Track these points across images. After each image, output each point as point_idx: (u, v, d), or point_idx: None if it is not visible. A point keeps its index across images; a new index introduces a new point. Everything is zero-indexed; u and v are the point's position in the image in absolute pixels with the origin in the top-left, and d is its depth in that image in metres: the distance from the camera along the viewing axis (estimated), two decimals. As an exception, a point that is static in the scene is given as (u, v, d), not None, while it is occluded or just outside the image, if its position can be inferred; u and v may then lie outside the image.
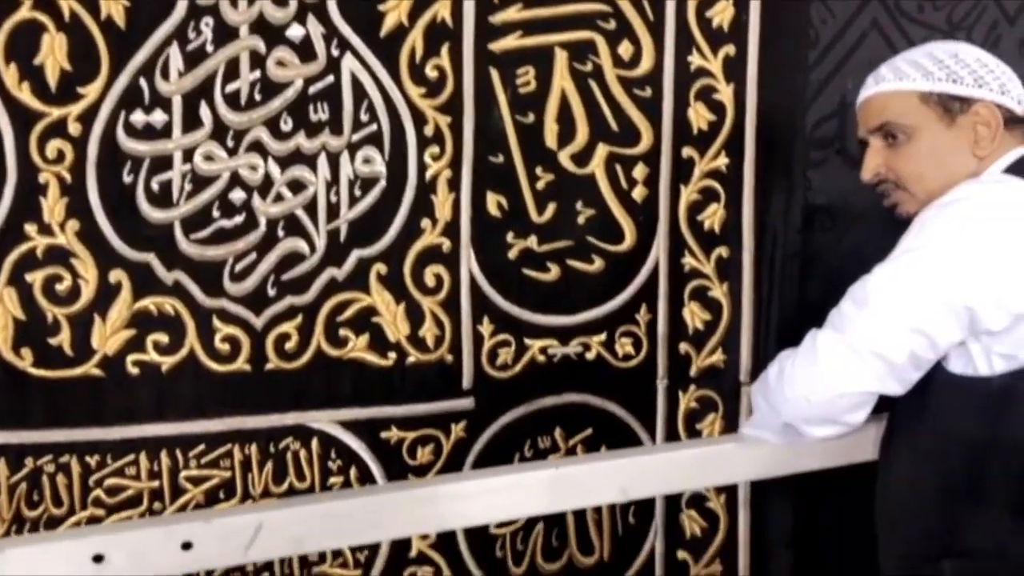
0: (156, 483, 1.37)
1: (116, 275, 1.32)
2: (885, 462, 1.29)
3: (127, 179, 1.31)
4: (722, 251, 1.51)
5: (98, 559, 1.12)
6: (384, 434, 1.44)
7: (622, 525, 1.54)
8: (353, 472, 1.43)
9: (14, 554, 1.11)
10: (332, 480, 1.42)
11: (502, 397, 1.47)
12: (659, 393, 1.52)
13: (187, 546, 1.14)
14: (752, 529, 1.56)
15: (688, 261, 1.51)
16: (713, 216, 1.50)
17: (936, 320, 1.12)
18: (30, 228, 1.28)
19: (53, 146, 1.27)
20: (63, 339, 1.31)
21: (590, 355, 1.49)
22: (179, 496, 1.38)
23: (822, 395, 1.18)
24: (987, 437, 1.16)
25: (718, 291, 1.52)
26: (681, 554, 1.56)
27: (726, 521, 1.56)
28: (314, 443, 1.41)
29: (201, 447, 1.38)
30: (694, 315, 1.52)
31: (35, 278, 1.29)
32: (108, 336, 1.33)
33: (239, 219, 1.35)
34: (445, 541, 1.47)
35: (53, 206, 1.28)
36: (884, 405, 1.24)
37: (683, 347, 1.52)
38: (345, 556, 1.44)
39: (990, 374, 1.14)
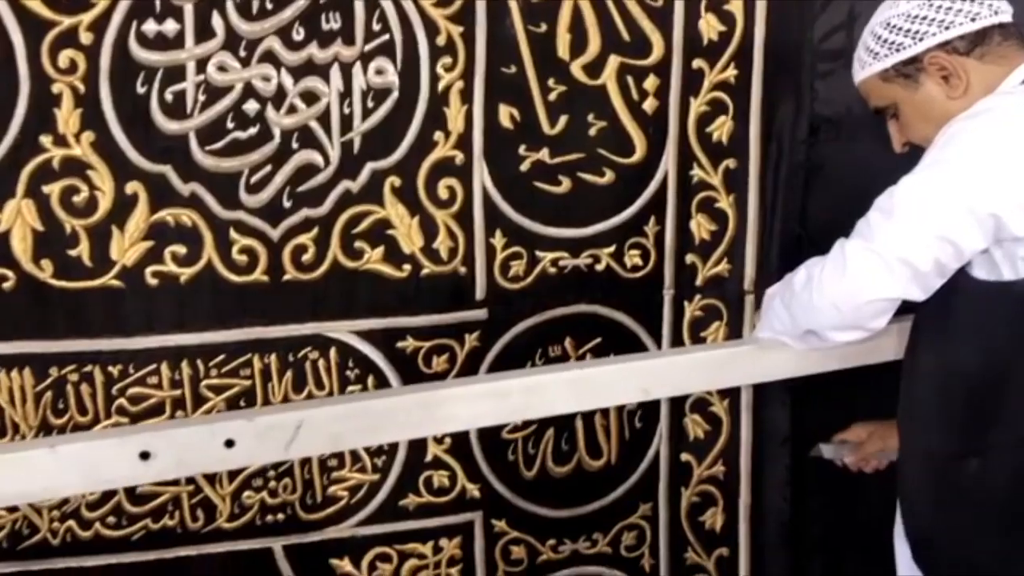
0: (178, 392, 1.40)
1: (133, 187, 1.32)
2: (911, 365, 1.33)
3: (141, 90, 1.30)
4: (729, 163, 1.53)
5: (144, 456, 1.15)
6: (400, 343, 1.47)
7: (629, 430, 1.59)
8: (371, 381, 1.46)
9: (65, 451, 1.14)
10: (350, 388, 1.46)
11: (514, 307, 1.50)
12: (665, 302, 1.56)
13: (230, 444, 1.18)
14: (753, 430, 1.61)
15: (696, 173, 1.53)
16: (721, 128, 1.52)
17: (961, 228, 1.15)
18: (45, 139, 1.27)
19: (65, 56, 1.26)
20: (82, 250, 1.32)
21: (600, 267, 1.52)
22: (200, 404, 1.41)
23: (851, 302, 1.22)
24: (1012, 339, 1.20)
25: (724, 202, 1.54)
26: (685, 456, 1.62)
27: (728, 424, 1.62)
28: (332, 352, 1.44)
29: (221, 356, 1.41)
30: (701, 226, 1.54)
31: (52, 190, 1.29)
32: (126, 247, 1.34)
33: (253, 131, 1.35)
34: (460, 446, 1.52)
35: (67, 117, 1.28)
36: (905, 308, 1.28)
37: (689, 258, 1.55)
38: (364, 461, 1.49)
39: (1014, 278, 1.18)
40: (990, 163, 1.15)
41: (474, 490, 1.55)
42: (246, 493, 1.45)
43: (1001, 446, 1.25)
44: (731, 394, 1.60)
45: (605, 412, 1.57)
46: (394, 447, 1.50)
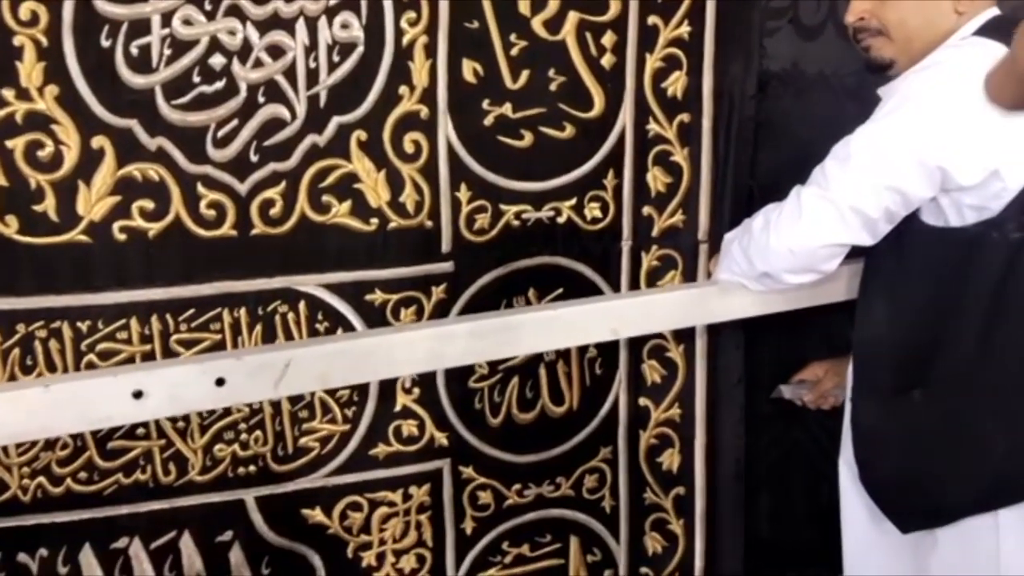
0: (148, 347, 1.40)
1: (99, 141, 1.32)
2: (864, 305, 1.43)
3: (105, 43, 1.29)
4: (684, 117, 1.58)
5: (137, 395, 1.18)
6: (368, 296, 1.49)
7: (590, 377, 1.65)
8: (340, 333, 1.49)
9: (59, 389, 1.15)
10: (319, 341, 1.48)
11: (480, 260, 1.54)
12: (624, 253, 1.61)
13: (220, 382, 1.21)
14: (708, 374, 1.69)
15: (652, 127, 1.58)
16: (676, 83, 1.57)
17: (910, 178, 1.23)
18: (8, 93, 1.26)
19: (27, 8, 1.24)
20: (48, 206, 1.31)
21: (561, 219, 1.57)
22: (171, 358, 1.42)
23: (805, 247, 1.31)
24: (955, 282, 1.29)
25: (679, 155, 1.60)
26: (643, 401, 1.69)
27: (684, 368, 1.68)
28: (301, 306, 1.46)
29: (191, 311, 1.41)
30: (657, 179, 1.60)
31: (16, 144, 1.28)
32: (93, 202, 1.33)
33: (219, 85, 1.35)
34: (428, 395, 1.56)
35: (30, 71, 1.26)
36: (856, 252, 1.37)
37: (646, 210, 1.61)
38: (334, 412, 1.51)
39: (960, 224, 1.27)
40: (939, 117, 1.22)
41: (442, 438, 1.59)
42: (218, 446, 1.47)
43: (941, 380, 1.35)
44: (687, 340, 1.67)
45: (567, 360, 1.63)
46: (364, 398, 1.52)
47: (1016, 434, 1.33)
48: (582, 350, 1.63)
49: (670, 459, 1.72)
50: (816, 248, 1.31)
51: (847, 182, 1.27)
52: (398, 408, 1.55)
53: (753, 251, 1.36)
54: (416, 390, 1.55)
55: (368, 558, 1.58)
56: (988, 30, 1.28)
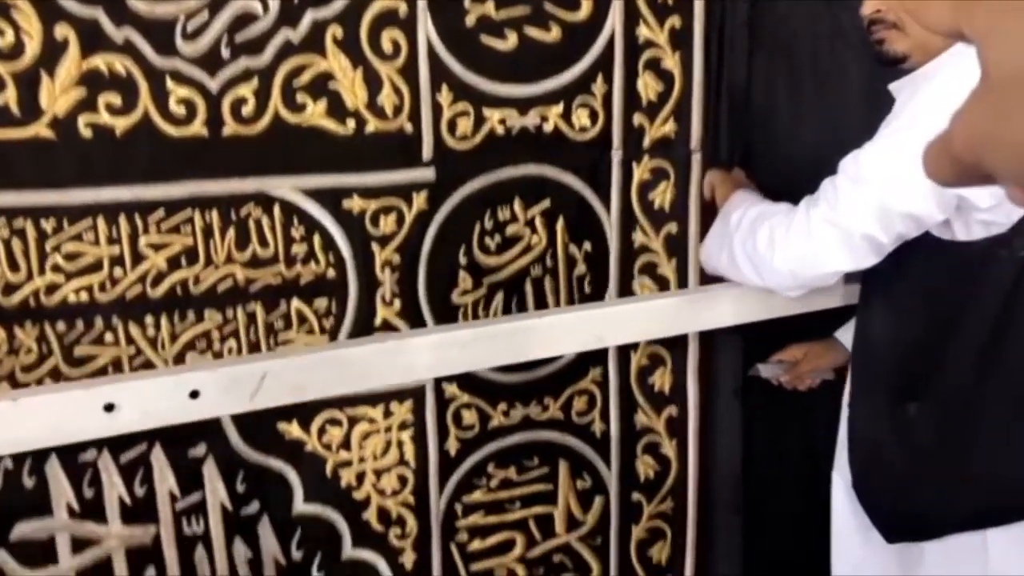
0: (116, 249, 1.35)
1: (62, 31, 1.26)
2: (863, 318, 1.41)
3: (67, -74, 1.24)
4: (675, 20, 1.52)
5: (109, 408, 1.17)
6: (346, 203, 1.44)
7: (578, 294, 1.59)
8: (317, 241, 1.43)
9: (27, 403, 1.13)
10: (295, 249, 1.43)
11: (462, 168, 1.48)
12: (614, 164, 1.55)
13: (195, 394, 1.20)
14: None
15: (642, 31, 1.52)
16: (666, -15, 1.51)
17: (925, 205, 1.18)
18: (-35, -24, 1.21)
19: None
20: (9, 98, 1.26)
21: (547, 127, 1.51)
22: (139, 262, 1.37)
23: (810, 273, 1.29)
24: (960, 296, 1.26)
25: (670, 61, 1.54)
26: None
27: (675, 286, 1.63)
28: (276, 210, 1.41)
29: (160, 212, 1.36)
30: (648, 86, 1.54)
31: (-26, 31, 1.24)
32: (57, 95, 1.28)
33: (188, -26, 1.31)
34: (410, 309, 1.51)
35: (-12, -47, 1.22)
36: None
37: (637, 118, 1.55)
38: (311, 323, 1.47)
39: (967, 239, 1.22)
40: None
41: (424, 354, 1.54)
42: (190, 355, 1.41)
43: (938, 396, 1.33)
44: (678, 254, 1.61)
45: (555, 276, 1.57)
46: (342, 309, 1.47)
47: (1010, 457, 1.30)
48: (570, 266, 1.57)
49: (661, 379, 1.66)
50: (821, 276, 1.30)
51: (860, 209, 1.21)
52: (378, 322, 1.50)
53: (757, 262, 1.34)
54: (397, 303, 1.50)
55: (348, 477, 1.54)
56: None
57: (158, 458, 1.44)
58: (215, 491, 1.48)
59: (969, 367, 1.28)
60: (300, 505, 1.52)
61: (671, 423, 1.68)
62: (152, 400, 1.21)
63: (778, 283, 1.32)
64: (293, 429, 1.50)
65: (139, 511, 1.45)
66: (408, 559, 1.60)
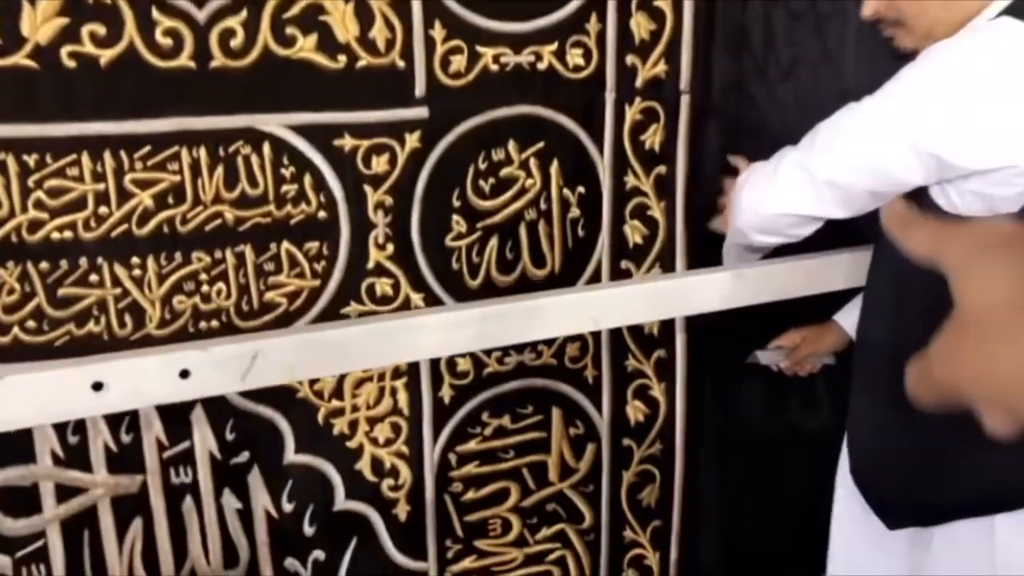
0: (101, 185, 1.31)
1: (43, -45, 1.22)
2: (869, 296, 1.41)
3: None
4: (667, -42, 1.51)
5: (97, 387, 1.14)
6: (337, 141, 1.40)
7: (572, 239, 1.58)
8: (307, 180, 1.40)
9: (14, 382, 1.11)
10: (285, 188, 1.39)
11: (456, 106, 1.45)
12: (608, 105, 1.53)
13: (185, 374, 1.17)
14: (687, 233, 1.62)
15: (635, -31, 1.50)
16: (658, -78, 1.50)
17: (899, 162, 1.16)
18: None
19: None
20: (-12, 24, 1.22)
21: (542, 65, 1.48)
22: (126, 200, 1.32)
23: (769, 210, 1.28)
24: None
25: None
26: (625, 263, 1.61)
27: (665, 226, 1.61)
28: (265, 148, 1.37)
29: (147, 148, 1.32)
30: (640, 25, 1.52)
31: (-50, -47, 1.18)
32: (39, 24, 1.23)
33: (174, -101, 1.26)
34: (403, 253, 1.48)
35: None
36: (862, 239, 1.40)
37: (630, 59, 1.53)
38: (302, 266, 1.43)
39: (965, 211, 1.18)
40: (938, 101, 1.14)
41: (418, 300, 1.50)
42: (177, 298, 1.38)
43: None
44: (666, 197, 1.60)
45: (549, 220, 1.55)
46: (334, 252, 1.44)
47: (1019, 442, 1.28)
48: (564, 209, 1.55)
49: (651, 325, 1.64)
50: (779, 215, 1.28)
51: (830, 156, 1.22)
52: (371, 265, 1.47)
53: (736, 202, 1.34)
54: (390, 246, 1.47)
55: (340, 425, 1.50)
56: (1016, 10, 1.18)
57: (145, 404, 1.40)
58: (204, 440, 1.44)
59: None
60: (291, 455, 1.49)
61: (660, 364, 1.67)
62: (141, 379, 1.19)
63: (744, 220, 1.31)
64: (284, 375, 1.46)
65: (125, 459, 1.41)
66: (402, 510, 1.57)
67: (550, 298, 1.41)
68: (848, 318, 1.58)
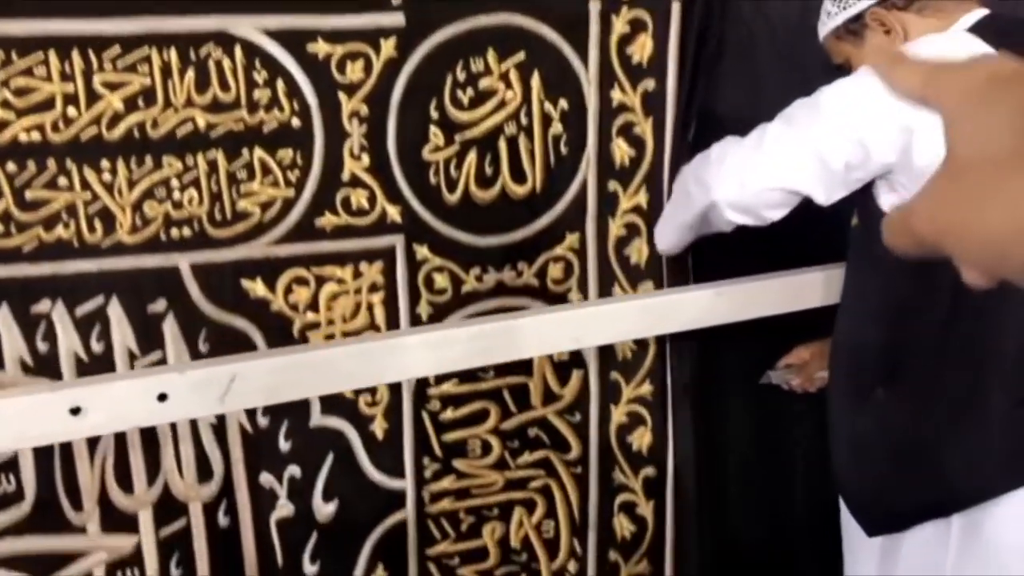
0: (69, 86, 1.29)
1: None
2: (841, 306, 1.41)
3: None
4: None
5: (75, 411, 1.15)
6: (311, 47, 1.37)
7: (555, 155, 1.54)
8: (280, 86, 1.37)
9: None
10: (258, 94, 1.36)
11: (433, 14, 1.42)
12: (592, 15, 1.49)
13: (163, 397, 1.18)
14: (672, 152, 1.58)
15: None
16: None
17: (877, 134, 1.19)
18: None
19: None
20: (-51, -84, 1.20)
21: (523, -28, 1.45)
22: (94, 101, 1.30)
23: (756, 183, 1.25)
24: (919, 277, 1.25)
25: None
26: (612, 185, 1.58)
27: (653, 145, 1.56)
28: (237, 52, 1.34)
29: (116, 49, 1.29)
30: (627, -68, 1.48)
31: None
32: (1, -84, 1.22)
33: None
34: (379, 164, 1.44)
35: None
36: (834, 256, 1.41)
37: (615, -34, 1.49)
38: (275, 174, 1.40)
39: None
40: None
41: (395, 213, 1.48)
42: (148, 204, 1.36)
43: (903, 379, 1.32)
44: (655, 113, 1.55)
45: (530, 135, 1.51)
46: (308, 162, 1.41)
47: (968, 439, 1.29)
48: (545, 124, 1.52)
49: (638, 252, 1.61)
50: (766, 188, 1.26)
51: (814, 126, 1.22)
52: (346, 176, 1.44)
53: (708, 177, 1.30)
54: (365, 157, 1.44)
55: (315, 339, 1.48)
56: (978, 29, 1.23)
57: (115, 312, 1.39)
58: (177, 350, 1.43)
59: (930, 348, 1.28)
60: (266, 368, 1.48)
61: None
62: (119, 403, 1.20)
63: (724, 193, 1.28)
64: (257, 287, 1.44)
65: (96, 368, 1.40)
66: (379, 427, 1.55)
67: (531, 318, 1.43)
68: None
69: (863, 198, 1.28)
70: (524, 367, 1.61)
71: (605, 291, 1.62)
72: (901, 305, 1.30)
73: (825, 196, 1.25)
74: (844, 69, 1.37)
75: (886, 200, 1.26)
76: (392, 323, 1.52)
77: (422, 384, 1.56)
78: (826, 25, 1.37)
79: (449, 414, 1.59)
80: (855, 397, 1.37)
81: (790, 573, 1.87)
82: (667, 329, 1.53)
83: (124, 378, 1.25)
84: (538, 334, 1.40)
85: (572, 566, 1.71)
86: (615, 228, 1.59)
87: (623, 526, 1.70)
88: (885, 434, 1.34)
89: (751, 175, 1.25)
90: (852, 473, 1.41)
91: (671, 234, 1.48)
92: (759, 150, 1.25)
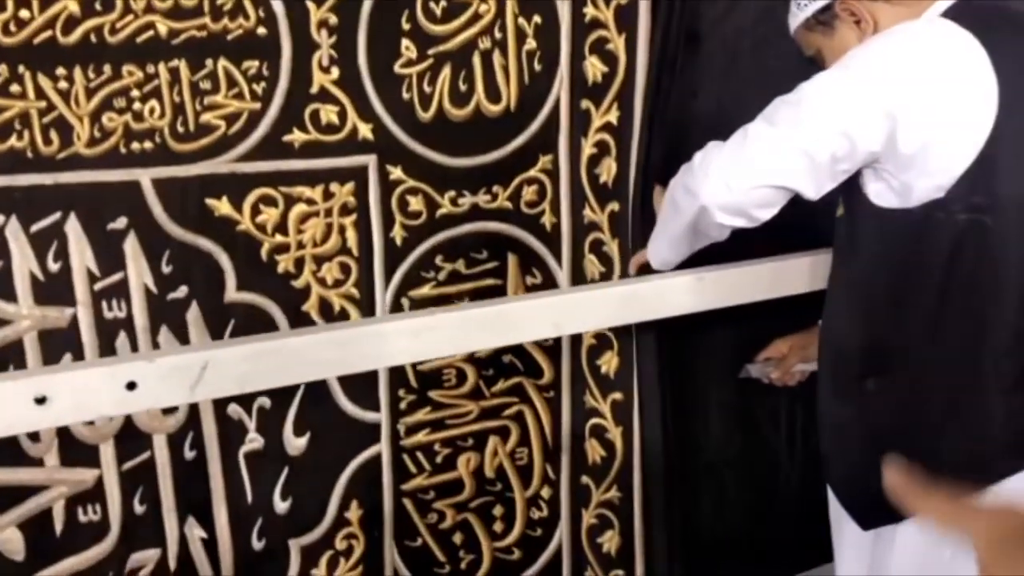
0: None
1: None
2: (828, 296, 1.39)
3: None
4: None
5: (40, 401, 1.10)
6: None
7: (528, 73, 1.50)
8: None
9: None
10: None
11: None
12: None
13: (132, 386, 1.14)
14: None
15: None
16: None
17: (861, 123, 1.17)
18: None
19: None
20: None
21: None
22: (50, 3, 1.22)
23: (743, 183, 1.22)
24: (907, 265, 1.24)
25: None
26: (585, 103, 1.54)
27: (625, 63, 1.54)
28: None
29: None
30: None
31: None
32: None
33: None
34: (349, 78, 1.39)
35: None
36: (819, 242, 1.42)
37: None
38: (240, 87, 1.34)
39: (907, 206, 1.21)
40: (896, 70, 1.17)
41: (366, 131, 1.43)
42: (107, 115, 1.29)
43: (893, 369, 1.30)
44: (628, 29, 1.53)
45: (504, 51, 1.48)
46: (275, 73, 1.35)
47: (960, 426, 1.28)
48: (520, 40, 1.48)
49: (608, 171, 1.58)
50: (752, 187, 1.22)
51: (797, 121, 1.19)
52: (315, 89, 1.39)
53: (693, 185, 1.26)
54: (335, 70, 1.39)
55: (285, 263, 1.43)
56: (951, 13, 1.21)
57: (74, 229, 1.31)
58: (139, 271, 1.36)
59: (919, 336, 1.26)
60: (232, 292, 1.41)
61: (613, 219, 1.57)
62: (86, 392, 1.14)
63: (712, 196, 1.24)
64: (223, 206, 1.38)
65: (54, 289, 1.32)
66: (351, 356, 1.50)
67: (512, 304, 1.40)
68: None
69: (848, 187, 1.27)
70: (499, 293, 1.58)
71: (576, 213, 1.59)
72: (889, 294, 1.28)
73: (814, 190, 1.23)
74: (816, 62, 1.35)
75: (873, 189, 1.24)
76: (365, 248, 1.47)
77: (397, 312, 1.52)
78: (796, 16, 1.35)
79: (423, 342, 1.55)
80: (845, 388, 1.35)
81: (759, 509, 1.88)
82: (649, 316, 1.51)
83: (91, 366, 1.20)
84: (519, 320, 1.38)
85: (546, 492, 1.68)
86: (587, 148, 1.56)
87: (594, 449, 1.67)
88: (877, 425, 1.32)
89: (736, 175, 1.23)
90: (843, 465, 1.39)
91: (665, 249, 1.44)
92: (742, 150, 1.22)
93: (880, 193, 1.23)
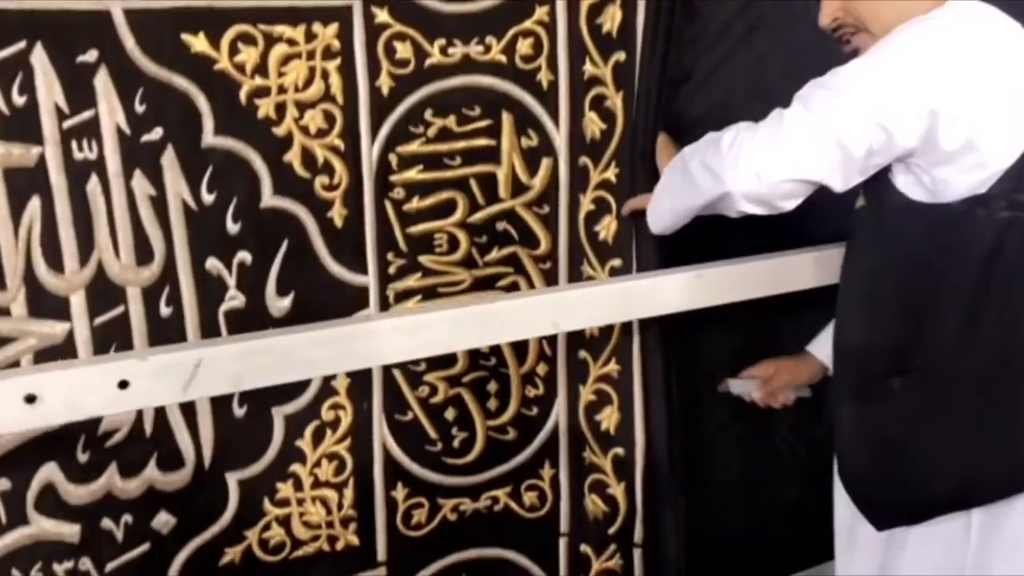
0: None
1: None
2: (844, 291, 1.33)
3: None
4: None
5: (31, 399, 1.08)
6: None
7: None
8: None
9: None
10: None
11: None
12: None
13: (124, 384, 1.13)
14: None
15: None
16: None
17: (901, 118, 1.11)
18: None
19: None
20: None
21: None
22: None
23: (775, 175, 1.16)
24: (941, 263, 1.18)
25: None
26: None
27: None
28: None
29: None
30: None
31: None
32: None
33: None
34: None
35: None
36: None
37: None
38: None
39: (941, 201, 1.16)
40: (938, 61, 1.11)
41: (350, -31, 1.35)
42: None
43: (921, 369, 1.24)
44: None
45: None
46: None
47: (993, 429, 1.23)
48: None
49: (611, 19, 1.48)
50: (784, 180, 1.17)
51: (837, 112, 1.13)
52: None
53: (717, 167, 1.20)
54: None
55: (265, 107, 1.35)
56: None
57: (40, 60, 1.24)
58: (111, 110, 1.28)
59: (951, 336, 1.21)
60: (210, 136, 1.34)
61: (617, 69, 1.50)
62: (78, 391, 1.12)
63: (739, 184, 1.19)
64: (199, 42, 1.30)
65: (19, 126, 1.25)
66: (337, 213, 1.43)
67: (509, 302, 1.37)
68: (823, 348, 1.51)
69: (875, 180, 1.21)
70: (493, 154, 1.50)
71: (575, 69, 1.51)
72: (920, 291, 1.22)
73: (843, 183, 1.19)
74: (833, 36, 1.28)
75: (903, 181, 1.19)
76: (350, 96, 1.40)
77: (384, 169, 1.45)
78: None
79: (414, 204, 1.48)
80: (866, 388, 1.30)
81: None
82: (645, 313, 1.47)
83: (83, 364, 1.19)
84: (515, 318, 1.35)
85: (541, 368, 1.61)
86: (587, 4, 1.49)
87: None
88: (901, 426, 1.27)
89: (769, 167, 1.17)
90: (860, 465, 1.35)
91: (669, 217, 1.38)
92: (777, 141, 1.16)
93: (909, 186, 1.19)
